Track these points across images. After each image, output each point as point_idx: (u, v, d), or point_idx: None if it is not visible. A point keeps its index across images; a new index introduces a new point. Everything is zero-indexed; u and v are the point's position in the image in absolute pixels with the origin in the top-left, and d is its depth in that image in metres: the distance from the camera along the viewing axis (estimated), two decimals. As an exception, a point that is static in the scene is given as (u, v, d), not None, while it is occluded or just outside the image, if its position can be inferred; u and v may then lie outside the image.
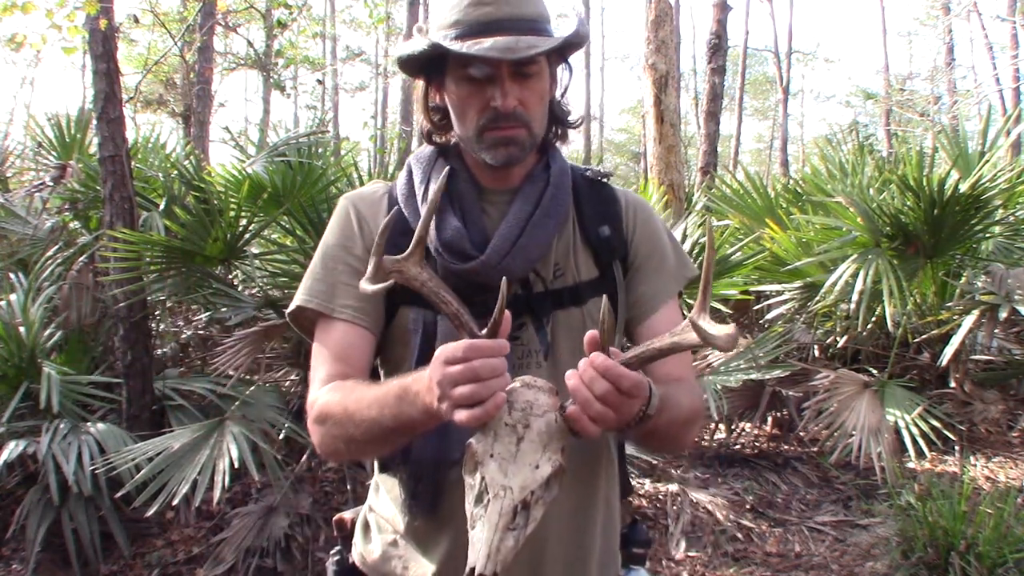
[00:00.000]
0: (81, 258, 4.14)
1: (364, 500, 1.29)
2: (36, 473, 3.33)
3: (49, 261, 4.17)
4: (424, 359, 0.98)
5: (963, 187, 3.88)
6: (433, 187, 1.15)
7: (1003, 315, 3.67)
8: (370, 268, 0.98)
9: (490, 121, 1.09)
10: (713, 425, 4.50)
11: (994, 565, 2.78)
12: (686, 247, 4.04)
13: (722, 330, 0.87)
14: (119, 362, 3.74)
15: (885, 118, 19.49)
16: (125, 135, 3.76)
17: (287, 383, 4.11)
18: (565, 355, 1.12)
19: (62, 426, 3.30)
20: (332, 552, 1.31)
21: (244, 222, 3.89)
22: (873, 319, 4.19)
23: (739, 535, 3.57)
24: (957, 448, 4.08)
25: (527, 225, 1.12)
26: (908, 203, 4.10)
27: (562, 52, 1.16)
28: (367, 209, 1.19)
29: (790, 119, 23.56)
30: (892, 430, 3.57)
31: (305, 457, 3.62)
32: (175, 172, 4.32)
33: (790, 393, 4.22)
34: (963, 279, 4.25)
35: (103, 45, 3.75)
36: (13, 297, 3.77)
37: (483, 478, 0.87)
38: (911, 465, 3.96)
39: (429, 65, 1.14)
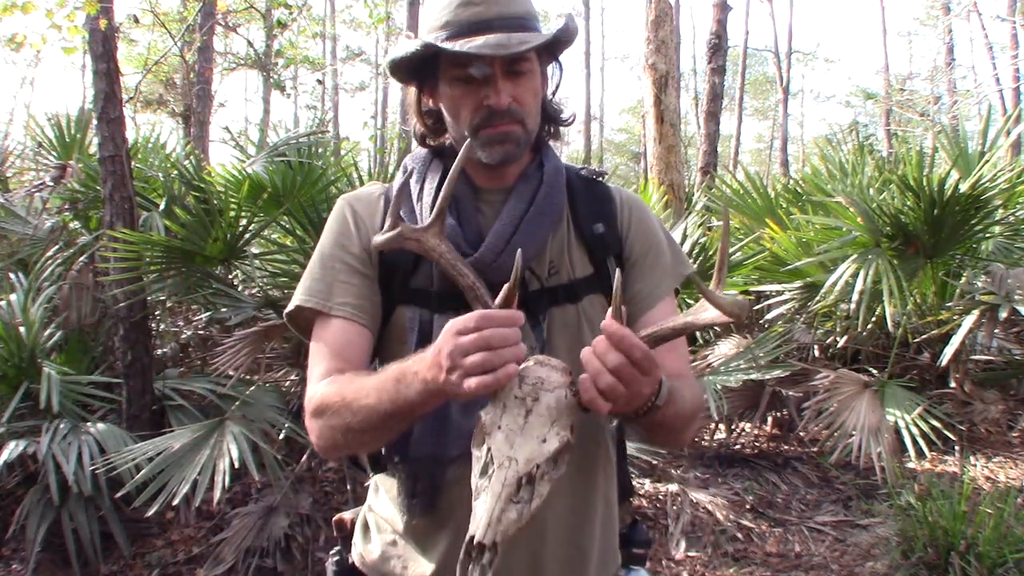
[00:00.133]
0: (81, 258, 4.14)
1: (364, 500, 1.29)
2: (36, 473, 3.33)
3: (49, 261, 4.18)
4: None
5: (963, 187, 3.88)
6: (428, 186, 1.17)
7: (1003, 315, 3.67)
8: (387, 224, 0.99)
9: (485, 119, 1.10)
10: (713, 425, 4.50)
11: (994, 565, 2.77)
12: (686, 247, 4.04)
13: (734, 298, 0.89)
14: (119, 362, 3.74)
15: (885, 118, 19.50)
16: (125, 135, 3.76)
17: (287, 383, 4.11)
18: (561, 352, 1.12)
19: (62, 426, 3.30)
20: (332, 552, 1.32)
21: (244, 222, 3.89)
22: (873, 319, 4.19)
23: (739, 535, 3.57)
24: (957, 448, 4.08)
25: (521, 223, 1.13)
26: (908, 203, 4.10)
27: (552, 50, 1.17)
28: (364, 209, 1.20)
29: (790, 119, 23.59)
30: (892, 430, 3.57)
31: (305, 457, 3.63)
32: (175, 172, 4.32)
33: (790, 393, 4.23)
34: (963, 279, 4.25)
35: (103, 45, 3.75)
36: (13, 297, 3.77)
37: (489, 449, 0.87)
38: (911, 465, 3.96)
39: (421, 69, 1.15)
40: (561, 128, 1.26)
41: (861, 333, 4.41)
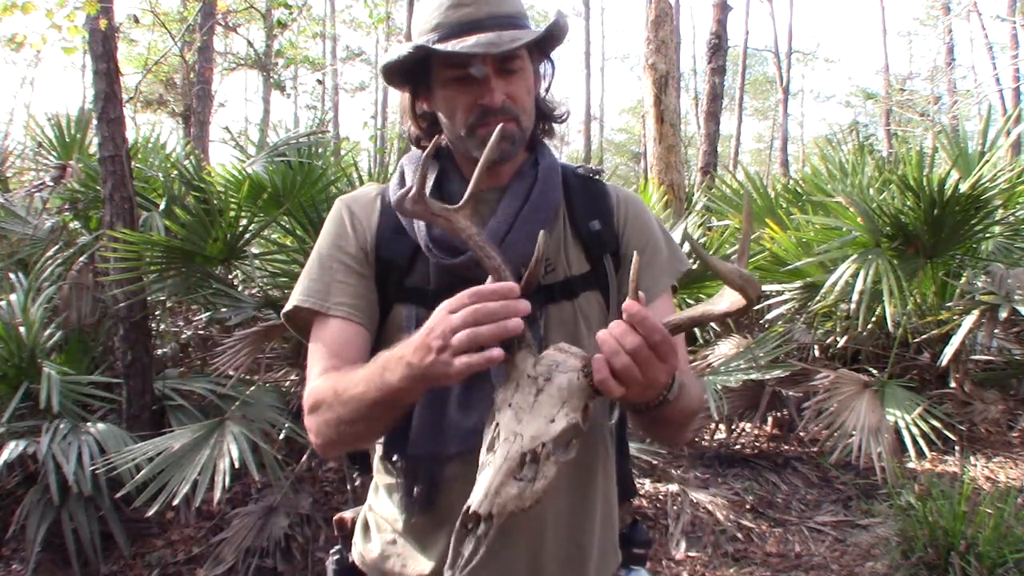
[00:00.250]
0: (81, 258, 4.14)
1: (364, 500, 1.29)
2: (36, 473, 3.33)
3: (49, 261, 4.17)
4: None
5: (963, 187, 3.88)
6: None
7: (1003, 315, 3.67)
8: (414, 192, 0.97)
9: (479, 118, 1.10)
10: (713, 425, 4.50)
11: (994, 565, 2.77)
12: (685, 248, 4.03)
13: (739, 269, 0.88)
14: (119, 362, 3.74)
15: (885, 118, 19.50)
16: (125, 135, 3.77)
17: (287, 383, 4.11)
18: None
19: (62, 426, 3.30)
20: (332, 551, 1.32)
21: (244, 222, 3.89)
22: (873, 319, 4.19)
23: (739, 535, 3.57)
24: (957, 448, 4.08)
25: (516, 220, 1.13)
26: (908, 203, 4.10)
27: (544, 48, 1.18)
28: (360, 210, 1.21)
29: (790, 119, 23.61)
30: (892, 430, 3.57)
31: (305, 457, 3.63)
32: (175, 172, 4.32)
33: (790, 393, 4.23)
34: (963, 279, 4.25)
35: (103, 45, 3.75)
36: (13, 297, 3.78)
37: (497, 425, 0.87)
38: (911, 465, 3.96)
39: (415, 73, 1.16)
40: (556, 126, 1.26)
41: (861, 333, 4.41)
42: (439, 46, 1.07)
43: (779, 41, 21.28)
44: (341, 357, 1.12)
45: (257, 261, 4.19)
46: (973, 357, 4.45)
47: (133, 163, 3.93)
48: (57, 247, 4.32)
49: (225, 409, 3.50)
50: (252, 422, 3.33)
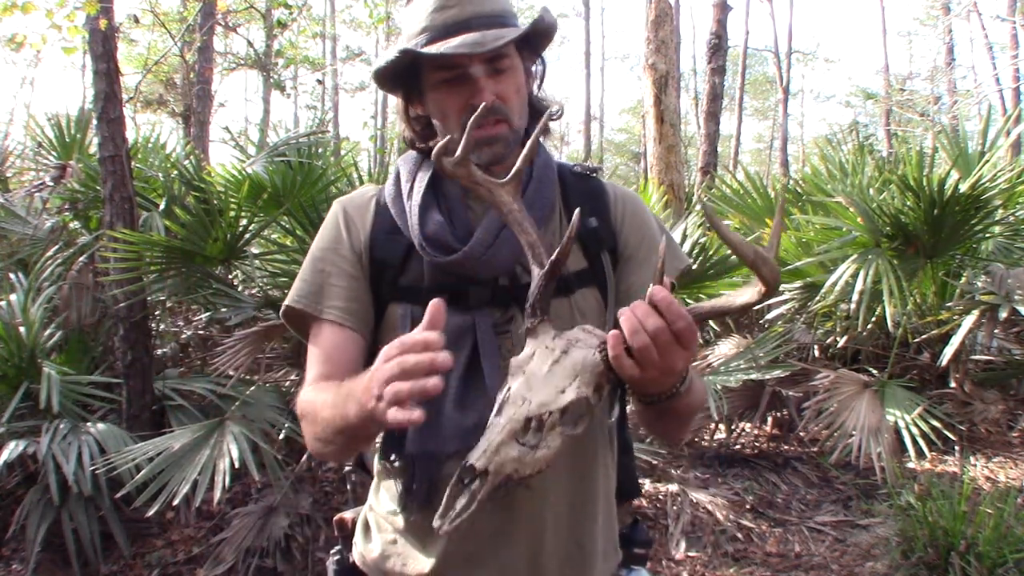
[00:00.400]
0: (81, 258, 4.14)
1: (364, 500, 1.29)
2: (36, 473, 3.33)
3: (49, 261, 4.17)
4: None
5: (963, 187, 3.88)
6: (418, 185, 1.18)
7: (1003, 315, 3.67)
8: (459, 150, 0.98)
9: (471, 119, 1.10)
10: (713, 425, 4.50)
11: (994, 565, 2.77)
12: (686, 247, 4.03)
13: (760, 250, 0.88)
14: (119, 362, 3.74)
15: (885, 118, 19.50)
16: (125, 135, 3.76)
17: (287, 383, 4.11)
18: None
19: (62, 426, 3.30)
20: (333, 552, 1.32)
21: (244, 222, 3.89)
22: (873, 319, 4.19)
23: (739, 535, 3.57)
24: (957, 448, 4.08)
25: None
26: (908, 203, 4.10)
27: (533, 46, 1.18)
28: (355, 211, 1.22)
29: (790, 119, 23.60)
30: (892, 430, 3.57)
31: (305, 457, 3.62)
32: (175, 172, 4.33)
33: (790, 393, 4.23)
34: (963, 279, 4.25)
35: (103, 45, 3.75)
36: (13, 297, 3.77)
37: (508, 389, 0.87)
38: (911, 465, 3.96)
39: (405, 77, 1.16)
40: (554, 125, 1.27)
41: (861, 333, 4.41)
42: (425, 49, 1.08)
43: (779, 41, 21.31)
44: (332, 362, 1.14)
45: (257, 261, 4.19)
46: (973, 357, 4.45)
47: (133, 163, 3.93)
48: (57, 247, 4.32)
49: (225, 409, 3.50)
50: (252, 422, 3.33)
